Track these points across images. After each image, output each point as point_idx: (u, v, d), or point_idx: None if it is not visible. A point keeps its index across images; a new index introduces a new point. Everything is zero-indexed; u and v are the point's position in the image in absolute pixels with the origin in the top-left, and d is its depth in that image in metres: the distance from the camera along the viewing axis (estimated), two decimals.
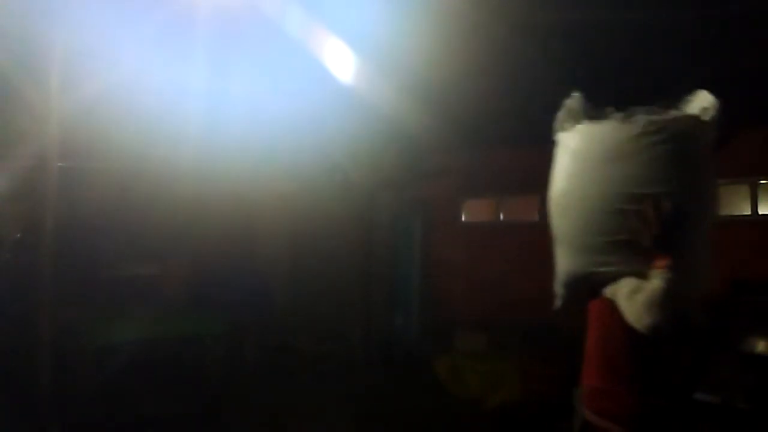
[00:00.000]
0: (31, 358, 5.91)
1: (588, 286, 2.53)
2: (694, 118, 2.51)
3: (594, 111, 2.75)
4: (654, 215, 2.27)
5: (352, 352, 8.38)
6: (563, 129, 2.78)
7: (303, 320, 9.61)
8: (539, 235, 9.81)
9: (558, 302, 2.68)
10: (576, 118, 2.74)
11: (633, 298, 2.27)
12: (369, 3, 5.00)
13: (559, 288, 2.66)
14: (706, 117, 2.47)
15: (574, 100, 2.83)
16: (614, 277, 2.39)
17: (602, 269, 2.40)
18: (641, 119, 2.49)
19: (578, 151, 2.63)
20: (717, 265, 7.59)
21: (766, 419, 5.32)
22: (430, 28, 5.34)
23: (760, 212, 7.41)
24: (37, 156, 6.14)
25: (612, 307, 2.38)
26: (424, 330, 9.87)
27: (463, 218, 10.24)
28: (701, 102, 2.51)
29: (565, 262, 2.62)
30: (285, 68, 6.47)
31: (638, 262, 2.31)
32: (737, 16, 4.86)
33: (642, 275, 2.29)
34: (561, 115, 2.81)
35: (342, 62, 5.98)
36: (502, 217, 9.80)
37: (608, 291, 2.42)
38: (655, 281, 2.23)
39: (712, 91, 2.60)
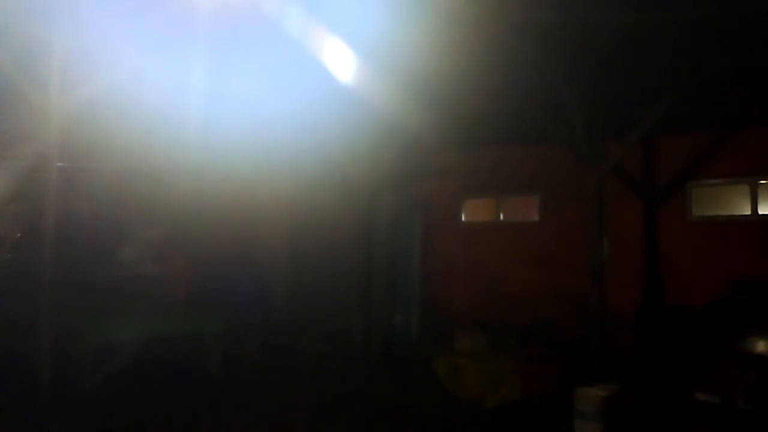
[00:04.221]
0: (31, 358, 5.91)
1: None
2: None
3: None
4: None
5: (352, 352, 8.37)
6: None
7: (303, 320, 9.60)
8: (539, 235, 9.85)
9: None
10: None
11: None
12: (369, 3, 4.99)
13: None
14: None
15: None
16: None
17: None
18: None
19: None
20: (717, 265, 7.63)
21: (766, 419, 5.32)
22: (430, 28, 5.34)
23: (760, 212, 7.41)
24: (37, 156, 6.14)
25: None
26: (424, 330, 9.87)
27: (463, 218, 10.24)
28: None
29: None
30: (285, 68, 6.47)
31: None
32: (736, 17, 4.86)
33: None
34: None
35: (342, 62, 5.98)
36: (502, 216, 9.80)
37: None
38: None
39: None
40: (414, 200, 10.40)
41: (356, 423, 6.43)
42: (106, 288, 8.16)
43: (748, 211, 7.53)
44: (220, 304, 8.59)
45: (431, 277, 10.15)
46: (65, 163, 6.65)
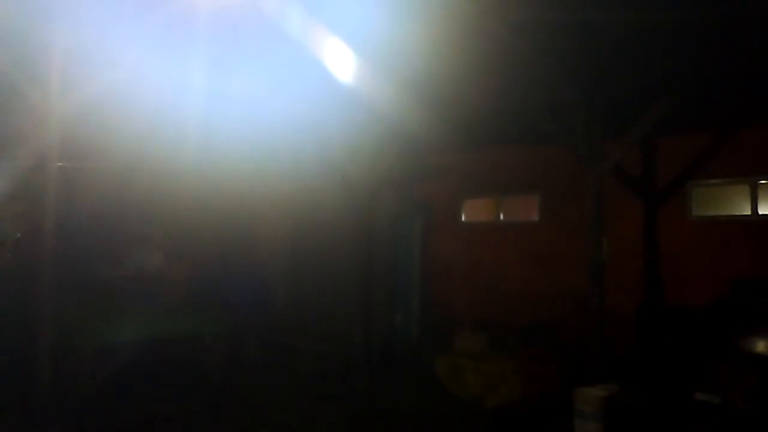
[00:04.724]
0: (31, 358, 5.91)
1: None
2: None
3: None
4: None
5: (352, 352, 8.38)
6: None
7: (303, 320, 9.61)
8: (539, 235, 9.84)
9: None
10: None
11: None
12: (369, 3, 5.00)
13: None
14: None
15: None
16: None
17: None
18: None
19: None
20: (717, 265, 7.63)
21: (766, 419, 5.32)
22: (430, 29, 5.34)
23: (760, 212, 7.41)
24: (37, 156, 6.14)
25: None
26: (424, 330, 9.87)
27: (463, 218, 10.24)
28: None
29: None
30: (285, 69, 6.47)
31: None
32: (737, 18, 4.86)
33: None
34: None
35: (342, 62, 5.98)
36: (502, 216, 9.80)
37: None
38: None
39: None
40: (414, 200, 10.40)
41: (356, 423, 6.43)
42: (106, 288, 8.15)
43: (748, 211, 7.53)
44: (220, 304, 8.59)
45: (431, 277, 10.15)
46: (65, 163, 6.65)
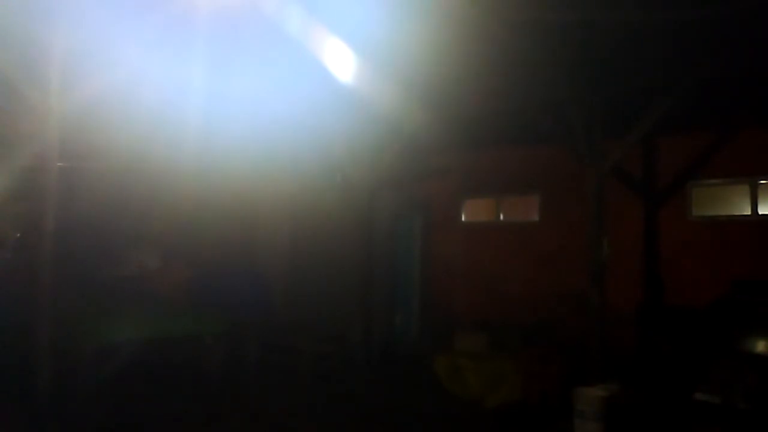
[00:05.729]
0: (31, 358, 5.91)
1: None
2: None
3: None
4: None
5: (352, 352, 8.37)
6: None
7: (303, 320, 9.61)
8: (539, 235, 9.84)
9: None
10: None
11: None
12: (369, 3, 5.00)
13: None
14: None
15: None
16: None
17: None
18: None
19: None
20: (717, 265, 7.64)
21: (766, 419, 5.32)
22: (430, 29, 5.35)
23: (760, 212, 7.42)
24: (37, 156, 6.14)
25: None
26: (424, 330, 9.87)
27: (463, 218, 10.25)
28: None
29: None
30: (285, 69, 6.47)
31: None
32: (737, 18, 4.86)
33: None
34: None
35: (342, 62, 5.98)
36: (502, 216, 9.81)
37: None
38: None
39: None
40: (414, 200, 10.40)
41: (356, 423, 6.42)
42: (106, 288, 8.16)
43: (748, 211, 7.53)
44: (220, 304, 8.58)
45: (431, 277, 10.15)
46: (65, 163, 6.65)
